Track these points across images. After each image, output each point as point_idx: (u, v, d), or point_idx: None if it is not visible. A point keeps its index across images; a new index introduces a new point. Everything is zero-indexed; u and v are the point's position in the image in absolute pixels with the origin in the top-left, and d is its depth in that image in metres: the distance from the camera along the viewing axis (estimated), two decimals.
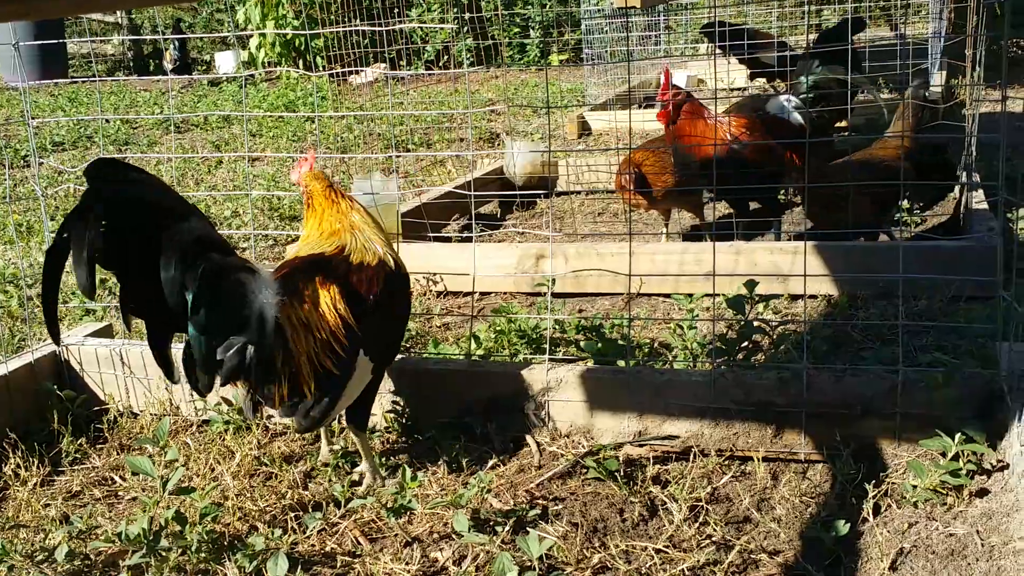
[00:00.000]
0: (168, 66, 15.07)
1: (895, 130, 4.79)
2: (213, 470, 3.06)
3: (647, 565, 2.46)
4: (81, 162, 8.53)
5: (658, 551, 2.50)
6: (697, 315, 3.75)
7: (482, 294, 4.74)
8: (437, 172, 7.36)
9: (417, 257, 4.77)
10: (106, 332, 3.82)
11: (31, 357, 3.52)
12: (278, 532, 2.64)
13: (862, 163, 4.68)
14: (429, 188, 6.26)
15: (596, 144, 8.37)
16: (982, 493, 2.60)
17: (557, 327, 3.84)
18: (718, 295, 3.87)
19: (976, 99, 5.00)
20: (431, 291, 4.73)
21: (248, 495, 2.89)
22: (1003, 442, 2.68)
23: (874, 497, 2.63)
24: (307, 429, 2.75)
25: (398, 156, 7.70)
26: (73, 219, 2.34)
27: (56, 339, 2.48)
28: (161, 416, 3.40)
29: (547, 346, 3.43)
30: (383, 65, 10.98)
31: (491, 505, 2.74)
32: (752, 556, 2.49)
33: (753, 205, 5.24)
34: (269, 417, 3.34)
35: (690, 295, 3.90)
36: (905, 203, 4.68)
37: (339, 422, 3.31)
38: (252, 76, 13.55)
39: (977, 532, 2.45)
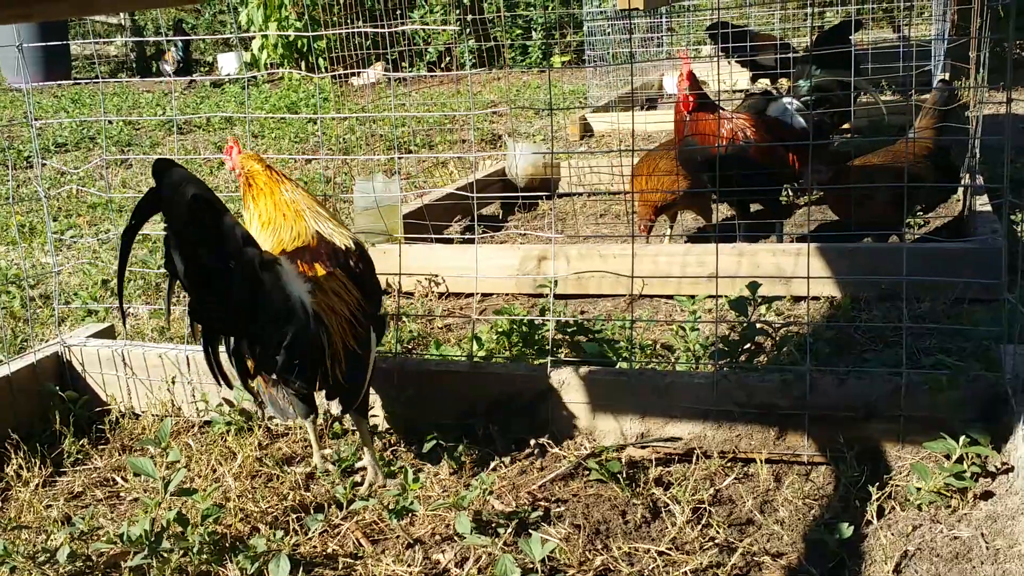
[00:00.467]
0: (169, 68, 15.07)
1: (919, 129, 4.81)
2: (215, 471, 3.05)
3: (650, 567, 2.46)
4: (83, 163, 8.54)
5: (661, 553, 2.50)
6: (699, 317, 3.74)
7: (484, 295, 4.73)
8: (439, 173, 7.36)
9: (419, 258, 4.76)
10: (108, 333, 3.82)
11: (33, 358, 3.52)
12: (280, 534, 2.63)
13: (887, 165, 4.69)
14: (431, 189, 6.26)
15: (598, 146, 8.37)
16: (987, 496, 2.59)
17: (559, 328, 3.83)
18: (721, 297, 3.87)
19: (980, 101, 5.00)
20: (433, 292, 4.73)
21: (250, 496, 2.89)
22: (1008, 445, 2.67)
23: (878, 500, 2.63)
24: (346, 409, 2.92)
25: (400, 157, 7.70)
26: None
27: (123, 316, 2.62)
28: (163, 417, 3.40)
29: (549, 347, 3.42)
30: (382, 64, 10.97)
31: (493, 507, 2.73)
32: (755, 558, 2.48)
33: (754, 207, 5.24)
34: (271, 418, 3.33)
35: (692, 297, 3.89)
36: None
37: (340, 423, 3.31)
38: (255, 77, 13.56)
39: (982, 535, 2.44)
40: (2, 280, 5.06)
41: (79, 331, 3.80)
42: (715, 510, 2.70)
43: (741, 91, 7.98)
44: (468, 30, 12.14)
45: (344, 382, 2.77)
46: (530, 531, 2.56)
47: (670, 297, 4.40)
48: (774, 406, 2.94)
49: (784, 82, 7.76)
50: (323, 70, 11.14)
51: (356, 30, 6.11)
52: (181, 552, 2.54)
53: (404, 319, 4.21)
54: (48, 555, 2.58)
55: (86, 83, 9.18)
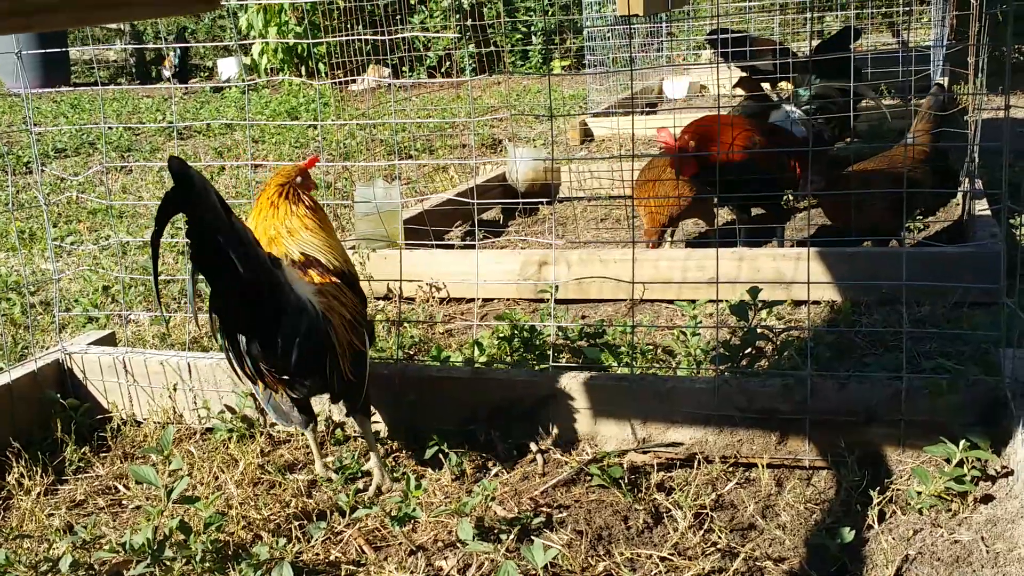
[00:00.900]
0: (167, 73, 15.10)
1: (915, 134, 4.81)
2: (217, 479, 3.06)
3: (652, 573, 2.46)
4: (83, 169, 8.55)
5: (663, 559, 2.50)
6: (700, 322, 3.75)
7: (485, 301, 4.74)
8: (440, 179, 7.36)
9: (420, 264, 4.77)
10: (109, 340, 3.82)
11: (34, 365, 3.52)
12: (282, 541, 2.63)
13: (886, 171, 4.69)
14: (431, 195, 6.26)
15: (598, 150, 8.38)
16: (987, 499, 2.59)
17: (560, 334, 3.84)
18: (721, 301, 3.87)
19: (978, 106, 5.01)
20: (434, 298, 4.73)
21: (252, 504, 2.89)
22: (1007, 448, 2.68)
23: (879, 504, 2.63)
24: (351, 410, 2.96)
25: (401, 163, 7.71)
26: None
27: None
28: (165, 424, 3.40)
29: (550, 353, 3.43)
30: (376, 69, 10.98)
31: (495, 513, 2.73)
32: (757, 563, 2.49)
33: (755, 211, 5.24)
34: (273, 424, 3.34)
35: (693, 302, 3.89)
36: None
37: (341, 430, 3.32)
38: (255, 83, 13.57)
39: (982, 539, 2.44)
40: (2, 287, 5.07)
41: (80, 338, 3.80)
42: (717, 515, 2.71)
43: (740, 96, 7.99)
44: (468, 35, 12.15)
45: (354, 379, 2.82)
46: (532, 537, 2.57)
47: (671, 302, 4.40)
48: (775, 411, 2.95)
49: (784, 86, 7.78)
50: (323, 75, 11.16)
51: (356, 38, 6.12)
52: (184, 560, 2.54)
53: (405, 325, 4.21)
54: (50, 564, 2.58)
55: (86, 88, 9.19)
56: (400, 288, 4.59)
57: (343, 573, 2.55)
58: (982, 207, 4.63)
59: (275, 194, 3.01)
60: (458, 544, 2.60)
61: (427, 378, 3.31)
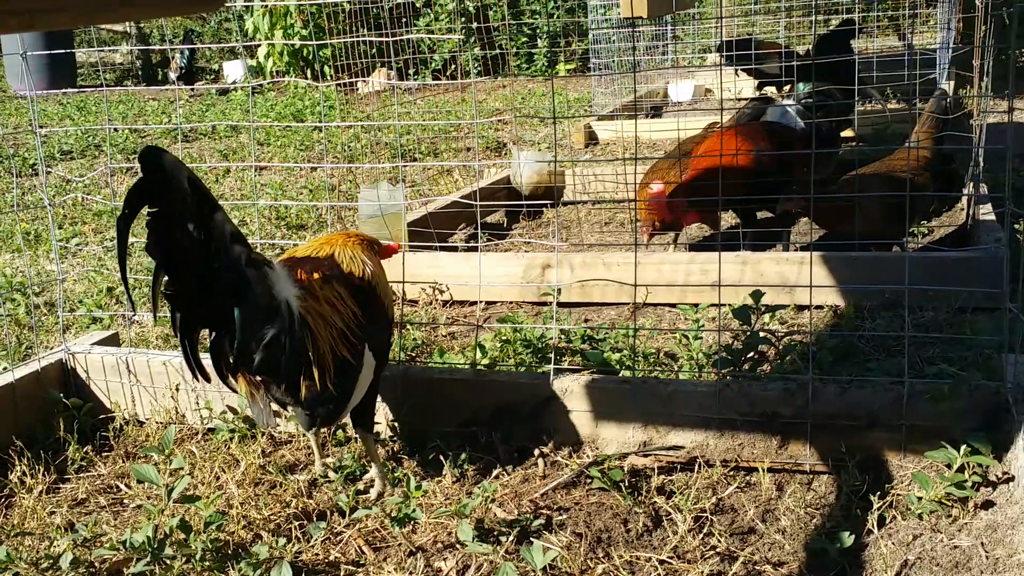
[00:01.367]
0: (173, 75, 15.13)
1: (915, 139, 4.80)
2: (218, 478, 3.06)
3: None
4: (89, 171, 8.57)
5: (662, 562, 2.50)
6: (703, 325, 3.74)
7: (488, 303, 4.74)
8: (444, 181, 7.37)
9: (423, 266, 4.77)
10: (112, 340, 3.83)
11: (38, 365, 3.53)
12: (282, 541, 2.64)
13: (886, 176, 4.68)
14: (436, 197, 6.27)
15: (603, 154, 8.38)
16: (987, 505, 2.59)
17: (563, 336, 3.84)
18: (724, 305, 3.87)
19: (984, 110, 5.00)
20: (437, 300, 4.73)
21: (253, 504, 2.90)
22: (1008, 454, 2.67)
23: (879, 509, 2.63)
24: (326, 421, 2.85)
25: (405, 165, 7.72)
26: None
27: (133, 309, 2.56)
28: (167, 424, 3.41)
29: (552, 355, 3.43)
30: (384, 72, 10.99)
31: (495, 515, 2.74)
32: (756, 568, 2.48)
33: (761, 214, 5.24)
34: (276, 426, 3.34)
35: (696, 305, 3.89)
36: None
37: (343, 431, 3.32)
38: (260, 85, 13.59)
39: (982, 544, 2.44)
40: (7, 288, 5.08)
41: (84, 338, 3.81)
42: (717, 519, 2.70)
43: (745, 99, 8.00)
44: (473, 38, 12.17)
45: (334, 391, 2.72)
46: (532, 539, 2.57)
47: (674, 306, 4.40)
48: (776, 415, 2.95)
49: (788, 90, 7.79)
50: (328, 78, 11.17)
51: (362, 39, 6.13)
52: (184, 559, 2.55)
53: (408, 327, 4.21)
54: (51, 561, 2.59)
55: (91, 90, 9.21)
56: (403, 290, 4.59)
57: (342, 573, 2.55)
58: (986, 212, 4.62)
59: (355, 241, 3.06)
60: (458, 545, 2.60)
61: (429, 380, 3.31)
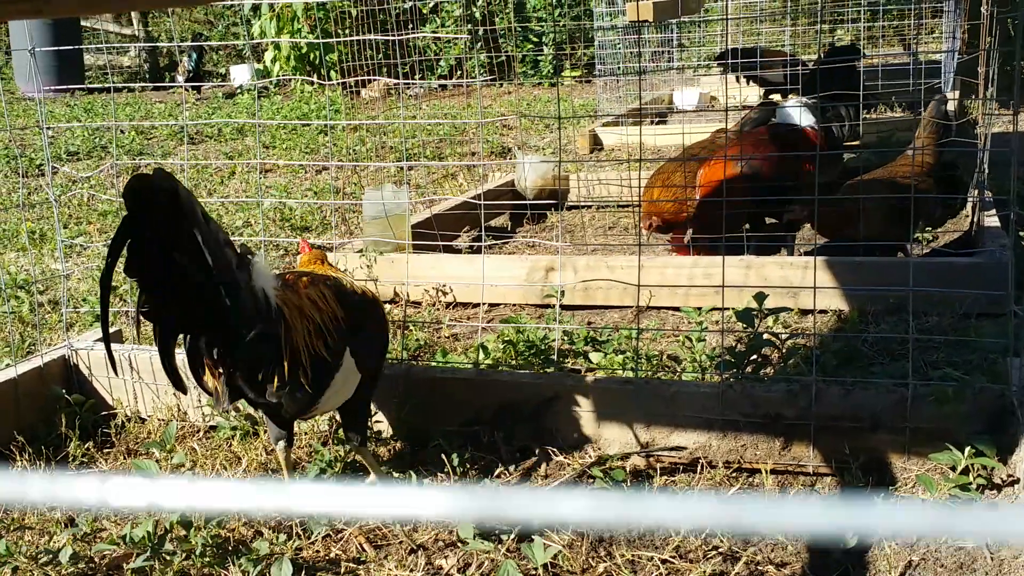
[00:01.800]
0: (180, 78, 15.16)
1: (917, 140, 4.79)
2: (220, 475, 3.05)
3: (653, 575, 2.45)
4: (95, 171, 8.58)
5: (664, 561, 2.49)
6: (706, 328, 3.74)
7: (491, 305, 4.73)
8: (449, 184, 7.37)
9: (427, 268, 4.77)
10: (115, 337, 3.82)
11: (40, 361, 3.53)
12: (283, 537, 2.63)
13: (890, 181, 4.67)
14: (440, 199, 6.27)
15: (608, 159, 8.38)
16: (992, 508, 2.58)
17: (566, 338, 3.83)
18: (727, 308, 3.86)
19: (989, 117, 4.99)
20: (440, 302, 4.73)
21: None
22: (1013, 456, 2.66)
23: None
24: (296, 414, 2.76)
25: (410, 168, 7.72)
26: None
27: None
28: (168, 421, 3.40)
29: (555, 357, 3.42)
30: (392, 81, 11.00)
31: None
32: (759, 568, 2.48)
33: (769, 220, 5.23)
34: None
35: (699, 308, 3.89)
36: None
37: (336, 444, 3.31)
38: (266, 88, 13.62)
39: (986, 546, 2.43)
40: (12, 285, 5.08)
41: (87, 335, 3.81)
42: None
43: (749, 106, 8.00)
44: (479, 44, 12.18)
45: (308, 386, 2.64)
46: (533, 537, 2.56)
47: (677, 308, 4.39)
48: (780, 416, 2.94)
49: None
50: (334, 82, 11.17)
51: (367, 38, 6.14)
52: (184, 554, 2.54)
53: (411, 327, 4.21)
54: (50, 556, 2.59)
55: (99, 91, 9.23)
56: (407, 292, 4.58)
57: (343, 570, 2.55)
58: (991, 217, 4.62)
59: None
60: (459, 543, 2.59)
61: (432, 379, 3.31)
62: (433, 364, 3.54)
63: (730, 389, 3.00)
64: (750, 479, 2.92)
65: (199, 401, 3.45)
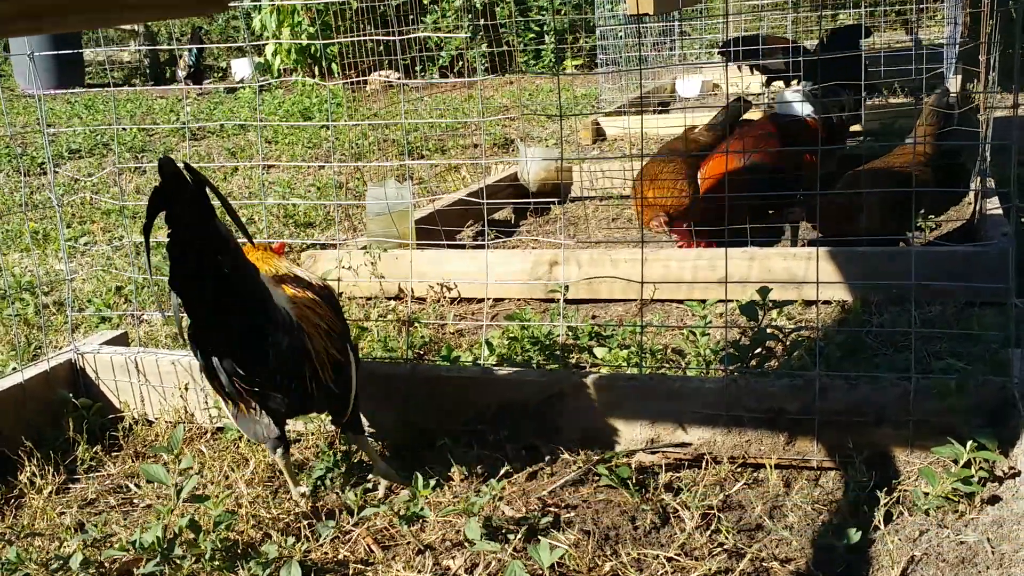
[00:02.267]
0: (181, 74, 15.16)
1: (918, 136, 4.77)
2: (227, 478, 3.07)
3: (659, 573, 2.46)
4: (97, 169, 8.59)
5: (670, 559, 2.50)
6: (710, 321, 3.75)
7: (496, 301, 4.74)
8: (451, 178, 7.38)
9: (430, 263, 4.78)
10: (121, 340, 3.84)
11: (47, 365, 3.55)
12: (291, 540, 2.65)
13: (887, 171, 4.66)
14: (443, 195, 6.27)
15: (611, 150, 8.38)
16: (993, 500, 2.59)
17: (570, 333, 3.84)
18: (732, 301, 3.87)
19: (991, 104, 4.99)
20: (444, 298, 4.74)
21: (262, 503, 2.91)
22: (1015, 449, 2.67)
23: (886, 505, 2.63)
24: (337, 420, 2.94)
25: (413, 163, 7.72)
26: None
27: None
28: (176, 424, 3.42)
29: (560, 353, 3.43)
30: (394, 74, 10.99)
31: (503, 513, 2.74)
32: (764, 564, 2.49)
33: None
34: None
35: (703, 301, 3.89)
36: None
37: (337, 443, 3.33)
38: (268, 83, 13.61)
39: (988, 540, 2.44)
40: (16, 287, 5.10)
41: (93, 338, 3.82)
42: (724, 516, 2.71)
43: (753, 94, 7.99)
44: (480, 35, 12.16)
45: (335, 388, 2.79)
46: (539, 537, 2.58)
47: (681, 302, 4.40)
48: (784, 411, 2.95)
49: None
50: (336, 75, 11.17)
51: (369, 38, 6.14)
52: (193, 559, 2.56)
53: (416, 324, 4.22)
54: (61, 562, 2.60)
55: (100, 89, 9.24)
56: (411, 288, 4.60)
57: (351, 572, 2.56)
58: (993, 206, 4.61)
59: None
60: (466, 543, 2.61)
61: (436, 377, 3.32)
62: (438, 362, 3.55)
63: (734, 384, 3.01)
64: (755, 474, 2.93)
65: (206, 403, 3.47)
